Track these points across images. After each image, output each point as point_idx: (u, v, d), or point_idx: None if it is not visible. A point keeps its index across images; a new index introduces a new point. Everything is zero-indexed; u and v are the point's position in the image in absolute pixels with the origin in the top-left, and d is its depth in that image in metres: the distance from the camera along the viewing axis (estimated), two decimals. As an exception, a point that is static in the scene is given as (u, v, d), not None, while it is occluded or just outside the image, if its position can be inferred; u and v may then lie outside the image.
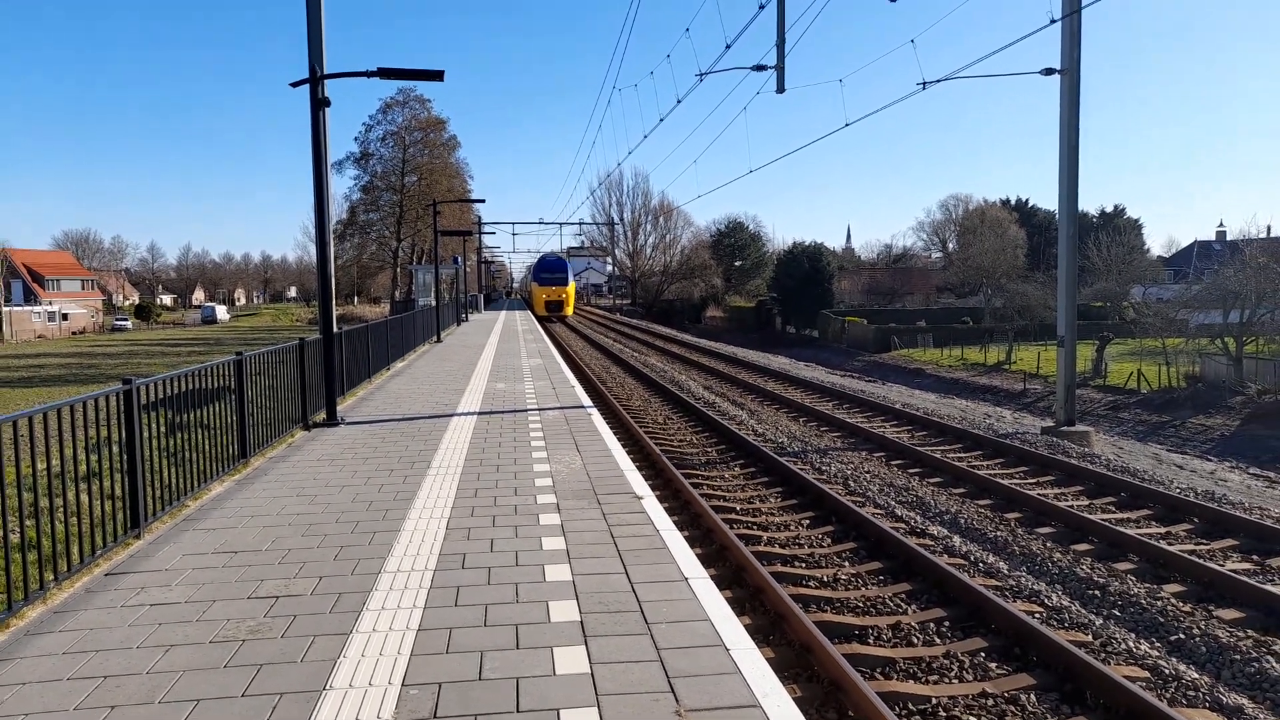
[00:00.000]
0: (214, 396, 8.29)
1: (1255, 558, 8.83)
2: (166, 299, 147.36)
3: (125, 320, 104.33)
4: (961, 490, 11.51)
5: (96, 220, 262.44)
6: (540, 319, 53.49)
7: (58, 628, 4.74)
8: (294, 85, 11.35)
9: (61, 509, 5.87)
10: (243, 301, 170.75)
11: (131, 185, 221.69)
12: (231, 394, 8.73)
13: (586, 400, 13.75)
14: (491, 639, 4.52)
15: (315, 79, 11.26)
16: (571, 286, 61.49)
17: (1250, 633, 6.83)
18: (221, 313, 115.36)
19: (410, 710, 3.79)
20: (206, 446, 7.86)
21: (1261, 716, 5.55)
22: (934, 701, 5.65)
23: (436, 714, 3.75)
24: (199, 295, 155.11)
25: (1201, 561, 8.24)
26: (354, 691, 3.95)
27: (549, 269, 60.98)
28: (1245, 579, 7.78)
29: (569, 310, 60.47)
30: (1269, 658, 6.35)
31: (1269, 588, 7.56)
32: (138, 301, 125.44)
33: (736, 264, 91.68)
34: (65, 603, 5.13)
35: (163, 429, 7.09)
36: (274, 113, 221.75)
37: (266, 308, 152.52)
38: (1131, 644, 6.62)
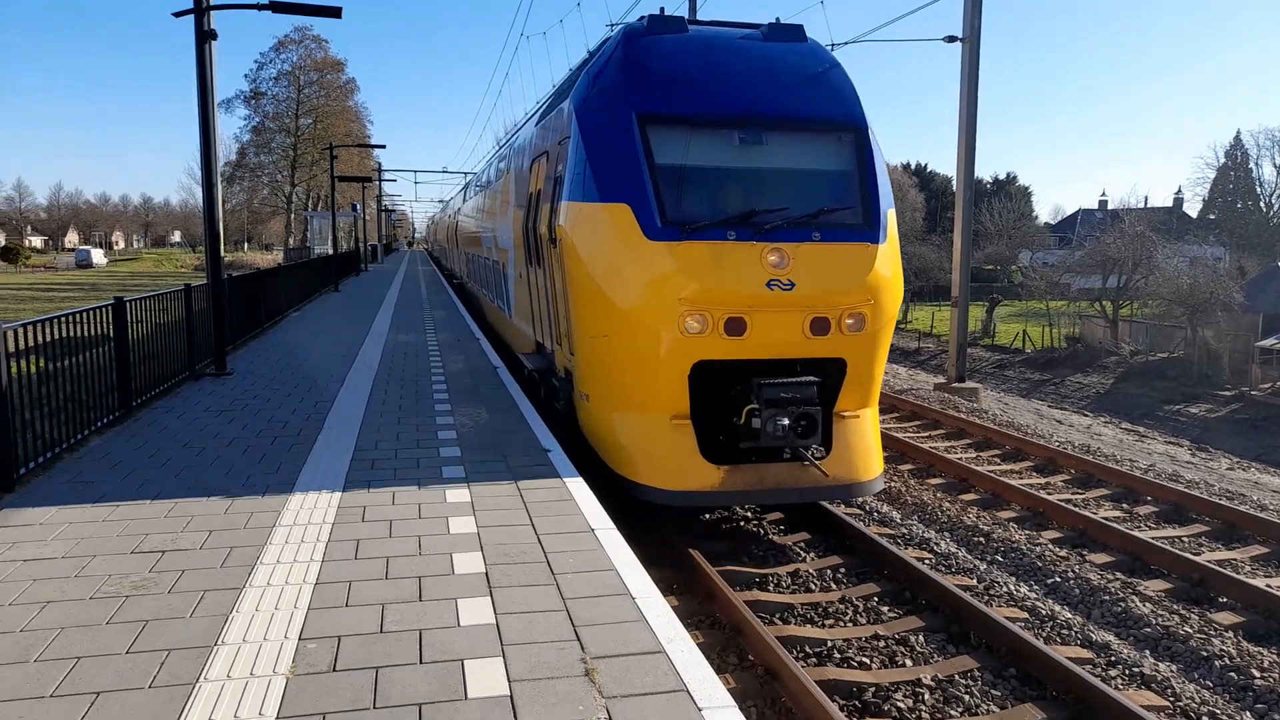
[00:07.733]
0: (92, 344, 7.78)
1: (1125, 506, 9.46)
2: (36, 241, 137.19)
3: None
4: (858, 443, 11.88)
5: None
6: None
7: (-84, 587, 4.40)
8: (177, 15, 10.60)
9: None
10: (121, 246, 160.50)
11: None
12: (111, 342, 8.22)
13: (493, 353, 13.54)
14: (394, 591, 4.42)
15: (200, 9, 10.53)
16: (893, 245, 7.92)
17: (1118, 575, 7.33)
18: (98, 257, 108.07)
19: (308, 664, 3.68)
20: (84, 397, 7.39)
21: (1125, 651, 5.97)
22: (829, 644, 5.86)
23: (335, 667, 3.66)
24: (72, 238, 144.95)
25: (1077, 510, 8.77)
26: (248, 646, 3.81)
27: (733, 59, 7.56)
28: (1115, 525, 8.33)
29: (873, 452, 7.41)
30: (1133, 598, 6.83)
31: (1136, 533, 8.11)
32: (3, 243, 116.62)
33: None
34: (-76, 561, 4.76)
35: (34, 377, 6.61)
36: (156, 43, 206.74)
37: (148, 253, 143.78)
38: (1012, 587, 7.01)
